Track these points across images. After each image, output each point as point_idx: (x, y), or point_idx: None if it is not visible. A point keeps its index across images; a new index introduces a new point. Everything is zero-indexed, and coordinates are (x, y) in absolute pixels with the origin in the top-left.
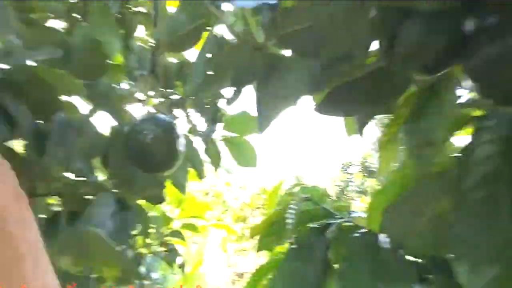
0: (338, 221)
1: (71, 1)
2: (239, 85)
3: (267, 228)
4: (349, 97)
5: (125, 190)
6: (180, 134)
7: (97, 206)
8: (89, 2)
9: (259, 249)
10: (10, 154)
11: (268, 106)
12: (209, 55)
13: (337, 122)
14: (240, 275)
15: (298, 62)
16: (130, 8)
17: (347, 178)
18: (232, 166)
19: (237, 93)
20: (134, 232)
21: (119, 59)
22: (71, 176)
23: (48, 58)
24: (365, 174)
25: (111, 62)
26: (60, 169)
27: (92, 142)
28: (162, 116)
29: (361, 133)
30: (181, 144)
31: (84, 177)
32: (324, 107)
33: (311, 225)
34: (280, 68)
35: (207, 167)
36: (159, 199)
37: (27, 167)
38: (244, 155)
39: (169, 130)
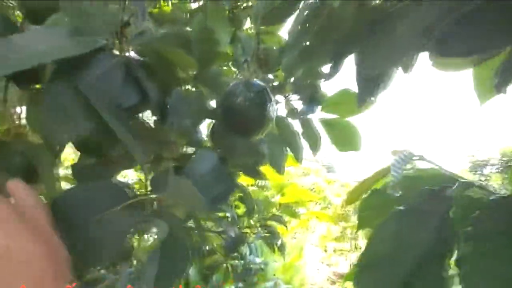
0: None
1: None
2: (340, 54)
3: (366, 196)
4: (485, 24)
5: (227, 159)
6: (271, 100)
7: (197, 159)
8: (207, 2)
9: (359, 226)
10: (142, 125)
11: (372, 69)
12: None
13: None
14: (340, 276)
15: (410, 12)
16: (240, 5)
17: (480, 180)
18: (334, 162)
19: (336, 66)
20: (239, 213)
21: (228, 48)
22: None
23: (172, 45)
24: (506, 176)
25: (221, 50)
26: (177, 135)
27: (200, 110)
28: (254, 81)
29: (504, 88)
30: (271, 109)
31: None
32: (447, 44)
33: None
34: (387, 24)
35: (310, 164)
36: (256, 172)
37: (155, 136)
38: (345, 138)
39: (259, 94)
